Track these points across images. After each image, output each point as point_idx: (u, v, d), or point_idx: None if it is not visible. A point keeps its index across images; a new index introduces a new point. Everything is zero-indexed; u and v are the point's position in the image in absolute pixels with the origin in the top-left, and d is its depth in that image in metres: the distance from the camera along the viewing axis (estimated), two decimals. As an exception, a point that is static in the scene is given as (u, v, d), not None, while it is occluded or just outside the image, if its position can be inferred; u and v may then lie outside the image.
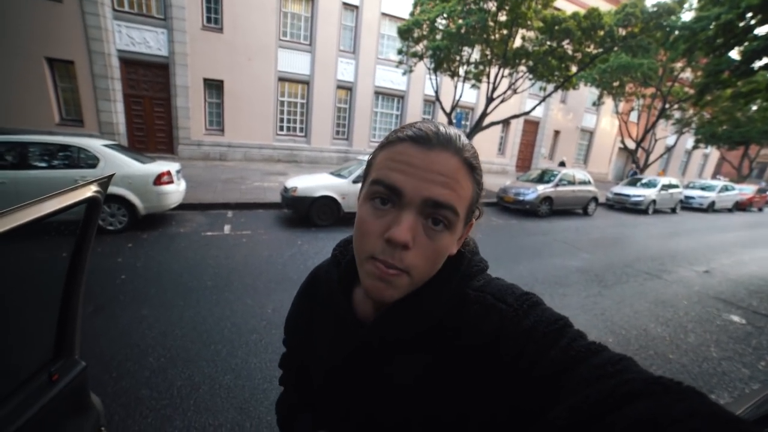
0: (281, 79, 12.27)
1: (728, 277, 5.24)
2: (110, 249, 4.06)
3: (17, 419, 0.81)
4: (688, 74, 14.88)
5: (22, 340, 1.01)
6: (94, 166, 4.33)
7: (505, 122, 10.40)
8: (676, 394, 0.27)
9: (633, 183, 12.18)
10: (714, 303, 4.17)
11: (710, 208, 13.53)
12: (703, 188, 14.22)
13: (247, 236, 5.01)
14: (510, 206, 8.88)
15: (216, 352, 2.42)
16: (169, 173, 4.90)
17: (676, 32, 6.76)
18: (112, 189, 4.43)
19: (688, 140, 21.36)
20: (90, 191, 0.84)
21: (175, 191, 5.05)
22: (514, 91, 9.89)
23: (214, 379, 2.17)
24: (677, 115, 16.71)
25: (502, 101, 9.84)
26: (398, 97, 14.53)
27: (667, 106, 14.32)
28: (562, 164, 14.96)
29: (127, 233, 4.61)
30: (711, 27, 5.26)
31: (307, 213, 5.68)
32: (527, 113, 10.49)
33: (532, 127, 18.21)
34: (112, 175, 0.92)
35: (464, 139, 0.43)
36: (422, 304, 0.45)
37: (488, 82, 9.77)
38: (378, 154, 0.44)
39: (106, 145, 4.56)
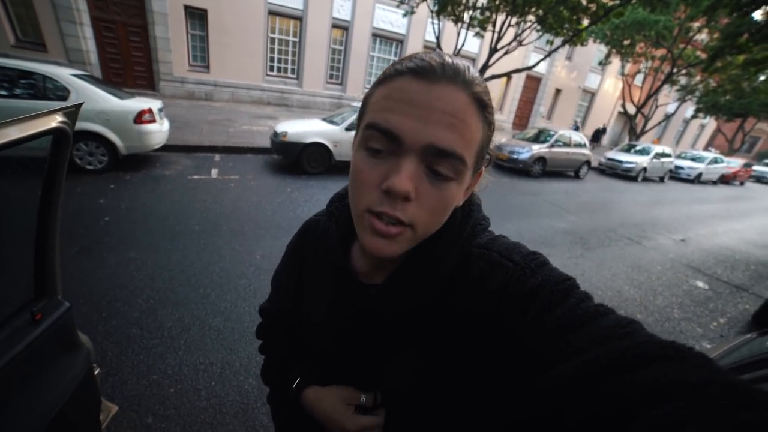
0: (272, 13, 11.16)
1: (701, 247, 5.50)
2: (91, 190, 3.91)
3: (2, 356, 0.80)
4: (703, 36, 14.19)
5: (-2, 279, 0.97)
6: (63, 98, 3.96)
7: (507, 76, 9.88)
8: (691, 359, 0.26)
9: (627, 149, 12.16)
10: (684, 269, 4.41)
11: (697, 179, 13.74)
12: (693, 159, 14.31)
13: (236, 181, 4.88)
14: (504, 164, 8.83)
15: (205, 295, 2.46)
16: (150, 111, 4.58)
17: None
18: (88, 125, 4.14)
19: (688, 109, 21.01)
20: (55, 121, 0.75)
21: (158, 131, 4.77)
22: (520, 43, 9.29)
23: (203, 321, 2.22)
24: (683, 81, 16.25)
25: (506, 53, 9.28)
26: (397, 41, 13.54)
27: (675, 70, 13.84)
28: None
29: (108, 174, 4.41)
30: None
31: (298, 159, 5.53)
32: (531, 67, 9.96)
33: (533, 84, 17.49)
34: (80, 105, 0.82)
35: (474, 72, 0.37)
36: (432, 268, 0.42)
37: (493, 31, 9.11)
38: (374, 92, 0.38)
39: (76, 75, 4.14)
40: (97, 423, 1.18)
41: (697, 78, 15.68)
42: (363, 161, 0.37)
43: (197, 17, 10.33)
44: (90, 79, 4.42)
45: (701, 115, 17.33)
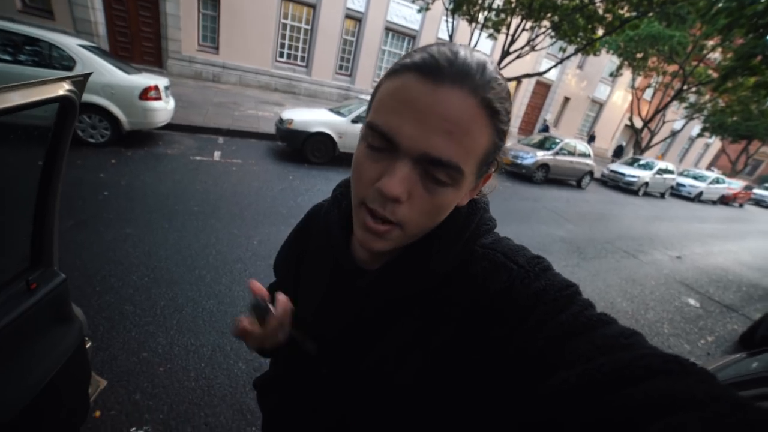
0: (285, -2, 11.05)
1: (696, 265, 5.53)
2: (92, 163, 3.88)
3: (-5, 322, 0.80)
4: (716, 55, 14.13)
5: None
6: (69, 68, 3.91)
7: (518, 81, 9.84)
8: (695, 375, 0.26)
9: (631, 163, 12.14)
10: (677, 286, 4.43)
11: (697, 197, 13.77)
12: (695, 177, 14.33)
13: (238, 165, 4.86)
14: (506, 168, 8.81)
15: (200, 277, 2.46)
16: (156, 88, 4.53)
17: (721, 3, 6.22)
18: (93, 98, 4.10)
19: (695, 127, 20.99)
20: (62, 89, 0.74)
21: (163, 109, 4.73)
22: (532, 48, 9.24)
23: (197, 302, 2.22)
24: (692, 98, 16.21)
25: (518, 57, 9.23)
26: (410, 37, 13.43)
27: (685, 87, 13.79)
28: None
29: (110, 148, 4.38)
30: (762, 0, 4.85)
31: (302, 148, 5.51)
32: (542, 73, 9.92)
33: (542, 90, 17.42)
34: (89, 74, 0.81)
35: (490, 72, 0.34)
36: (428, 262, 0.42)
37: (507, 34, 9.05)
38: (382, 85, 0.37)
39: (83, 46, 4.09)
40: (85, 395, 1.18)
41: (707, 97, 15.67)
42: (363, 155, 0.37)
43: (210, -4, 10.21)
44: (97, 51, 4.37)
45: (707, 134, 17.32)
